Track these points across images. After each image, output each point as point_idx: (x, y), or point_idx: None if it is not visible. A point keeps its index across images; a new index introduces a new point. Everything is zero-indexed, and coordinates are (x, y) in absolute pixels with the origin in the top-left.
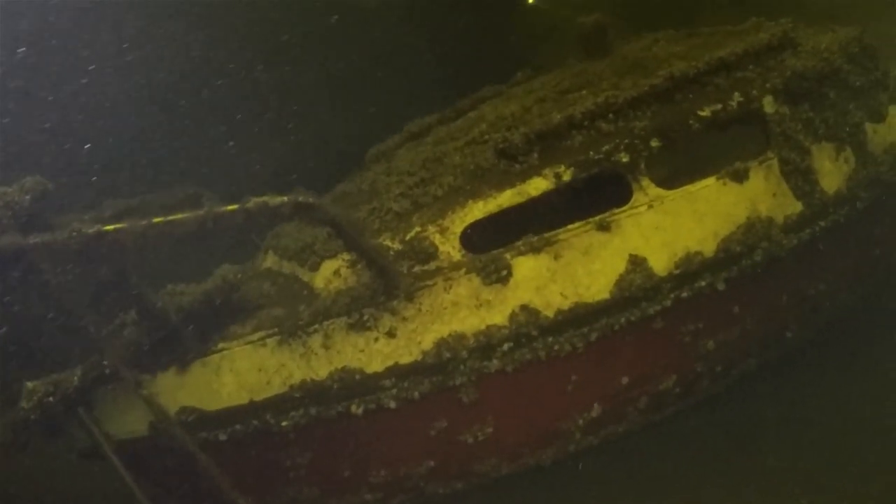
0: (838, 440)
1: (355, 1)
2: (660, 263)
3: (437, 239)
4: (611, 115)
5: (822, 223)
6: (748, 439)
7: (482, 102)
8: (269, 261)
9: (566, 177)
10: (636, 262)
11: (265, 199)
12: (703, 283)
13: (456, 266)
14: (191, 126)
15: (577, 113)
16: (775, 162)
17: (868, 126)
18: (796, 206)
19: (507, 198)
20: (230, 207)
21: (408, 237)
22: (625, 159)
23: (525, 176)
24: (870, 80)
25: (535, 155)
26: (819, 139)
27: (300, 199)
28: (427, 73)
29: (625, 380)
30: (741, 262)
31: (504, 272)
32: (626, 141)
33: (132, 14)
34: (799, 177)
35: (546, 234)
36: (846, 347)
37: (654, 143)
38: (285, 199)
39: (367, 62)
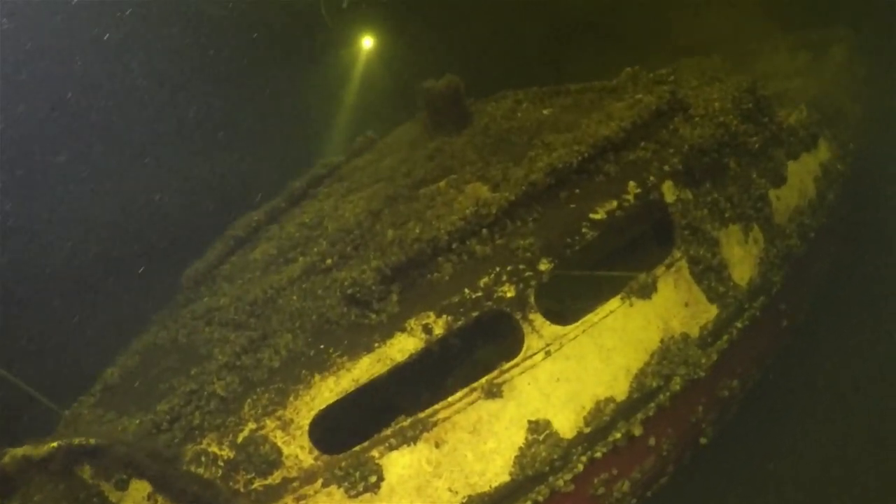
0: None
1: None
2: (566, 423)
3: (279, 438)
4: (484, 231)
5: (739, 324)
6: None
7: (317, 184)
8: None
9: (438, 329)
10: (538, 429)
11: (26, 448)
12: (618, 435)
13: (309, 476)
14: None
15: (441, 233)
16: (684, 263)
17: (772, 194)
18: (711, 312)
19: (364, 368)
20: None
21: (240, 438)
22: (510, 294)
23: (385, 333)
24: (766, 137)
25: (395, 297)
26: (726, 223)
27: (77, 442)
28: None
29: None
30: (658, 397)
31: (373, 477)
32: (509, 267)
33: None
34: (711, 276)
35: (421, 415)
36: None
37: (544, 266)
38: (55, 444)
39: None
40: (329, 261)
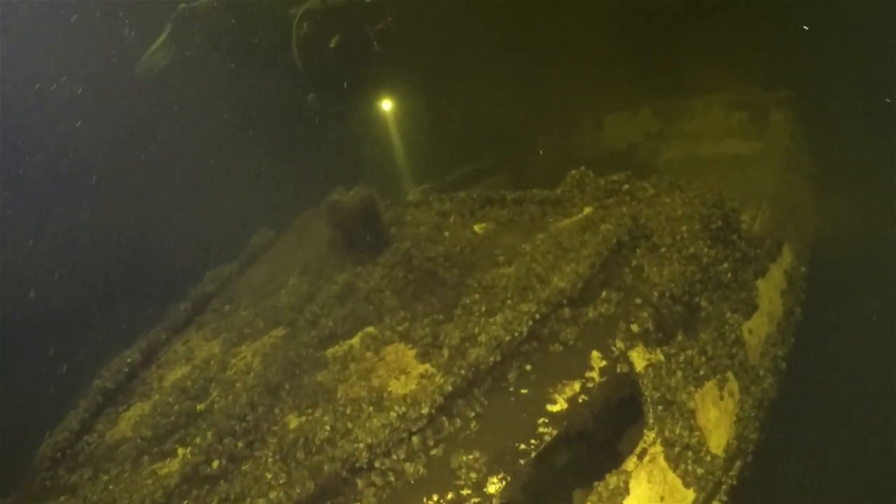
0: None
1: None
2: None
3: None
4: (415, 439)
5: (716, 502)
6: None
7: (206, 304)
8: None
9: None
10: None
11: None
12: None
13: None
14: None
15: (360, 449)
16: (658, 447)
17: (744, 329)
18: (687, 499)
19: None
20: None
21: None
22: None
23: None
24: (737, 260)
25: None
26: (701, 382)
27: None
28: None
29: None
30: None
31: None
32: (449, 495)
33: None
34: (688, 457)
35: None
36: None
37: (493, 487)
38: None
39: None
40: (216, 463)
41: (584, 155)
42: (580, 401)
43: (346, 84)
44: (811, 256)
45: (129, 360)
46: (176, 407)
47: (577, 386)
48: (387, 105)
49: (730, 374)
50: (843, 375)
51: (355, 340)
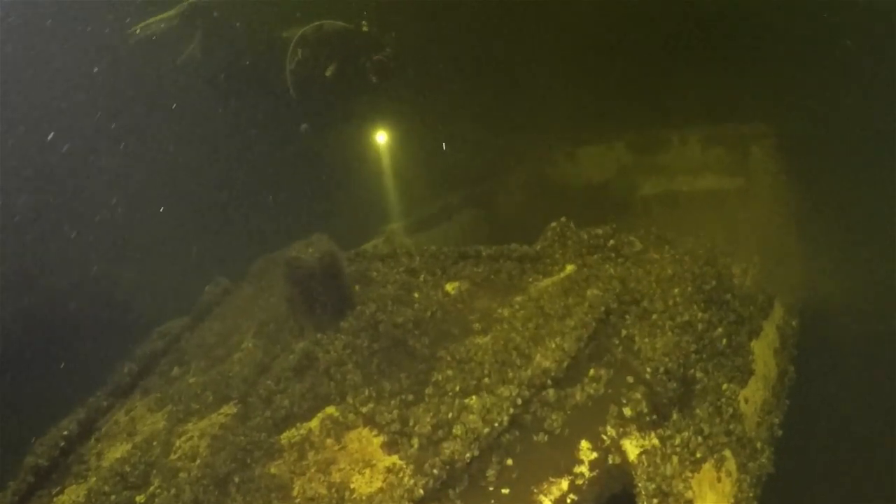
0: None
1: None
2: None
3: None
4: None
5: None
6: None
7: (154, 364)
8: None
9: None
10: None
11: None
12: None
13: None
14: None
15: None
16: None
17: (741, 398)
18: None
19: None
20: None
21: None
22: None
23: None
24: (731, 323)
25: None
26: (698, 466)
27: None
28: None
29: None
30: None
31: None
32: None
33: None
34: None
35: None
36: None
37: None
38: None
39: None
40: None
41: (557, 189)
42: (569, 501)
43: (339, 114)
44: (801, 308)
45: (65, 432)
46: (113, 497)
47: (564, 484)
48: (371, 137)
49: (727, 453)
50: (834, 431)
51: (314, 423)
